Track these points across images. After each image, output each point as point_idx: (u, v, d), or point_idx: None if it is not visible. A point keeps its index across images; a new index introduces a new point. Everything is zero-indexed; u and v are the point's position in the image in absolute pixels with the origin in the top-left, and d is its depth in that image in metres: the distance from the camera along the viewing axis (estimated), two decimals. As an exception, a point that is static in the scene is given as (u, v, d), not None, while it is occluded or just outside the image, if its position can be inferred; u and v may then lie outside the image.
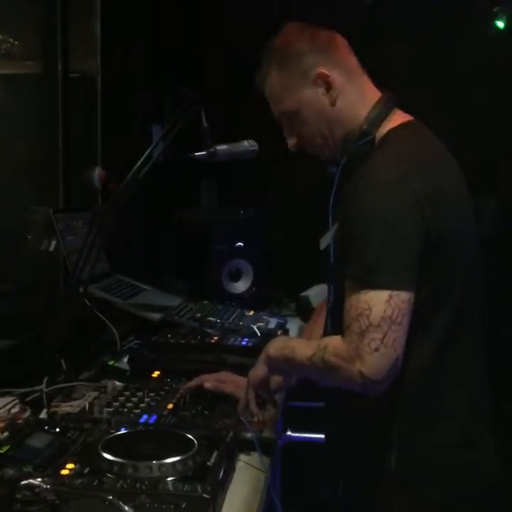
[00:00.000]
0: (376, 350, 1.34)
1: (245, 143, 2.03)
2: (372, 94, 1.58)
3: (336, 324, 1.50)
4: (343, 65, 1.56)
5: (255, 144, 2.04)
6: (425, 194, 1.41)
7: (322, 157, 1.61)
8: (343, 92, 1.55)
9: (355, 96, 1.56)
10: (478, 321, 1.56)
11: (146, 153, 1.85)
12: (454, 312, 1.48)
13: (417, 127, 1.57)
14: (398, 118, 1.56)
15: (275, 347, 1.58)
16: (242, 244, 3.03)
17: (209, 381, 1.77)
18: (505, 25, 3.40)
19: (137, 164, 1.83)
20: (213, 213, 3.38)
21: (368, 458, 1.51)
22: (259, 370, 1.61)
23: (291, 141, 1.63)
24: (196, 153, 1.96)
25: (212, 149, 1.96)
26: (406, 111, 1.60)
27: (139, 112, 3.23)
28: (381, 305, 1.35)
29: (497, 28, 3.42)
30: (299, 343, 1.63)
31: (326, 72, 1.53)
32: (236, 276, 3.03)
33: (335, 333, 1.49)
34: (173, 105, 1.96)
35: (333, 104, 1.54)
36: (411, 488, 1.47)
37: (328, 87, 1.54)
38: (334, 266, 1.57)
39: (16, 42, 2.46)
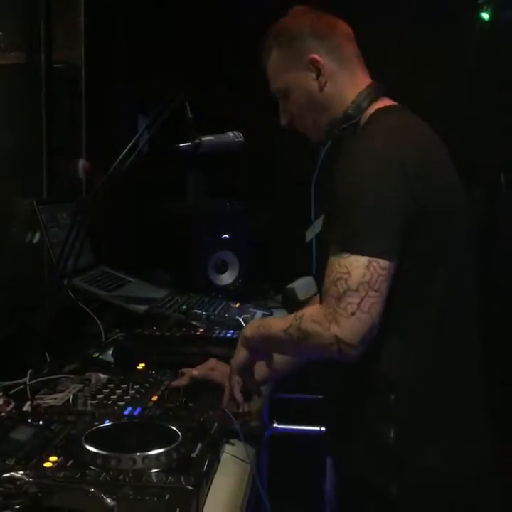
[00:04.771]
0: (352, 314, 1.36)
1: (230, 134, 2.02)
2: (362, 81, 1.61)
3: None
4: (338, 52, 1.60)
5: (240, 135, 2.03)
6: (412, 165, 1.44)
7: (311, 138, 1.66)
8: (332, 78, 1.59)
9: (345, 83, 1.59)
10: (473, 294, 1.57)
11: (131, 143, 1.83)
12: (449, 281, 1.50)
13: (403, 109, 1.60)
14: (384, 102, 1.59)
15: (251, 327, 1.60)
16: (228, 236, 3.03)
17: (198, 371, 1.78)
18: (491, 16, 3.41)
19: (121, 155, 1.81)
20: (199, 205, 3.37)
21: (367, 434, 1.50)
22: (239, 353, 1.62)
23: (284, 120, 1.68)
24: (181, 145, 1.95)
25: (197, 140, 1.95)
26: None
27: (123, 103, 3.21)
28: (360, 269, 1.37)
29: (482, 19, 3.43)
30: (274, 319, 1.65)
31: (318, 58, 1.58)
32: (222, 269, 3.03)
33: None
34: (158, 96, 1.94)
35: (321, 89, 1.59)
36: (410, 465, 1.46)
37: (318, 72, 1.58)
38: (321, 236, 1.59)
39: (0, 32, 2.43)
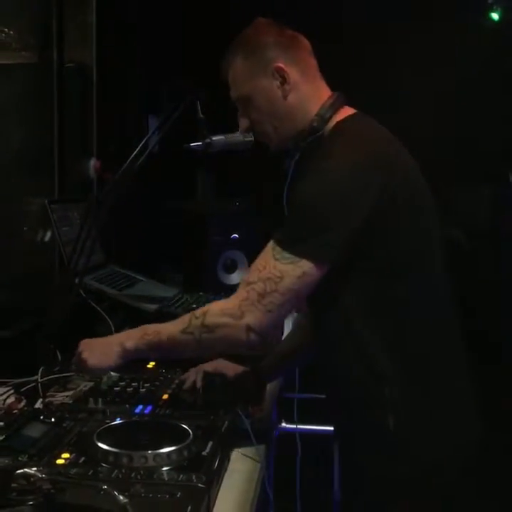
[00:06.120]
0: (270, 311, 1.45)
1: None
2: (324, 93, 1.64)
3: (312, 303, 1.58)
4: (302, 64, 1.63)
5: (251, 134, 2.04)
6: (381, 166, 1.47)
7: (269, 145, 1.69)
8: (296, 88, 1.61)
9: (308, 94, 1.63)
10: (448, 288, 1.60)
11: (142, 143, 1.84)
12: (427, 276, 1.53)
13: (363, 116, 1.63)
14: (345, 112, 1.62)
15: (134, 338, 1.58)
16: (237, 235, 3.03)
17: (208, 367, 1.79)
18: (501, 16, 3.41)
19: (132, 154, 1.82)
20: (209, 204, 3.38)
21: (368, 422, 1.53)
22: (107, 361, 1.59)
23: (243, 125, 1.70)
24: (192, 144, 1.96)
25: (207, 140, 1.96)
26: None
27: (134, 103, 3.22)
28: (292, 279, 1.44)
29: (492, 19, 3.43)
30: (160, 325, 1.62)
31: (283, 66, 1.60)
32: (231, 268, 3.03)
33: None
34: (169, 96, 1.95)
35: (285, 97, 1.61)
36: (411, 450, 1.49)
37: (283, 80, 1.61)
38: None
39: (11, 32, 2.45)
